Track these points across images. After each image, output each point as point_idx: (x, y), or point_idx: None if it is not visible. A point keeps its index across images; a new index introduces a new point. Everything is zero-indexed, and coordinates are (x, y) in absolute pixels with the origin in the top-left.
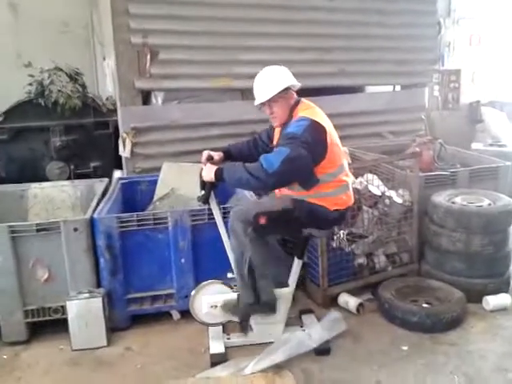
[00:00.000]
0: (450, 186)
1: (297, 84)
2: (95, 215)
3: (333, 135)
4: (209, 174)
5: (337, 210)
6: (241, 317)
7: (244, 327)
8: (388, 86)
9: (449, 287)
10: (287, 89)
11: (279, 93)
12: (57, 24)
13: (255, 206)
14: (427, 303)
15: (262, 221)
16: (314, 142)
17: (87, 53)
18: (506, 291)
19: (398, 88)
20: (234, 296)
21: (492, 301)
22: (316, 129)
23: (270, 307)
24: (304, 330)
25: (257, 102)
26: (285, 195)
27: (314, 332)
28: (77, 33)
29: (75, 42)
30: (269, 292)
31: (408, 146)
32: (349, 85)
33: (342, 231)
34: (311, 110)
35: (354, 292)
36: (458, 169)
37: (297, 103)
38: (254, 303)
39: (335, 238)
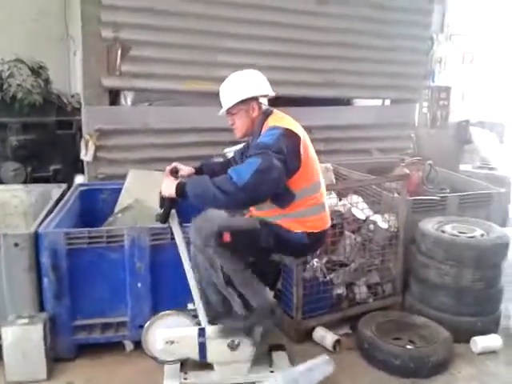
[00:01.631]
0: (439, 211)
1: (268, 93)
2: (40, 229)
3: (308, 146)
4: (169, 188)
5: (311, 233)
6: (245, 332)
7: (255, 337)
8: (377, 100)
9: (435, 325)
10: (249, 99)
11: (238, 104)
12: (29, 15)
13: (218, 218)
14: (410, 341)
15: (226, 238)
16: (287, 151)
17: (60, 47)
18: (495, 331)
19: (387, 103)
20: (194, 331)
21: (481, 342)
22: (289, 137)
23: (266, 312)
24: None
25: (220, 112)
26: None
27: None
28: (49, 25)
29: (48, 35)
30: (259, 296)
31: (395, 164)
32: (336, 96)
33: (315, 260)
34: (284, 120)
35: (330, 325)
36: (449, 194)
37: (268, 114)
38: (248, 313)
39: (308, 267)
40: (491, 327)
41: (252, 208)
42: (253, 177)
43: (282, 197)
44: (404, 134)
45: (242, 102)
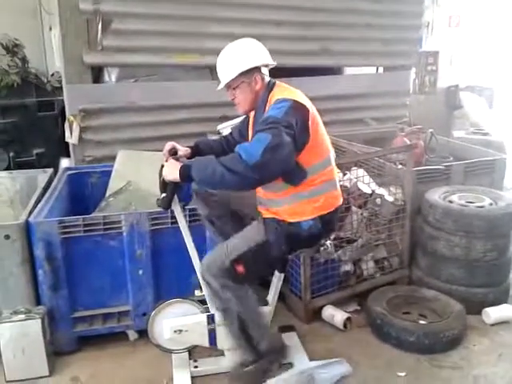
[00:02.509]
0: (443, 181)
1: (270, 63)
2: (31, 219)
3: (317, 119)
4: (172, 172)
5: (323, 216)
6: (260, 374)
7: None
8: (370, 68)
9: (445, 298)
10: (251, 71)
11: (239, 76)
12: None
13: (225, 252)
14: (421, 315)
15: (240, 270)
16: (297, 125)
17: (33, 22)
18: (506, 301)
19: (381, 70)
20: (203, 318)
21: (493, 313)
22: (299, 110)
23: (277, 352)
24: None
25: (219, 85)
26: (261, 201)
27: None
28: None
29: (20, 10)
30: (269, 336)
31: (393, 134)
32: (331, 65)
33: (328, 241)
34: (289, 91)
35: (339, 303)
36: (453, 162)
37: (271, 86)
38: (257, 358)
39: (321, 249)
40: (503, 297)
41: (261, 191)
42: (264, 154)
43: (294, 174)
44: (399, 102)
45: (244, 73)
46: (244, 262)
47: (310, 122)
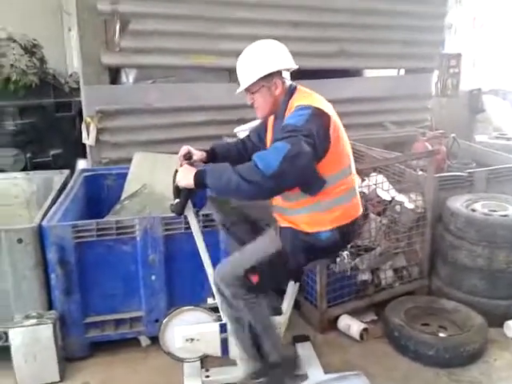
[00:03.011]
0: (465, 188)
1: (291, 67)
2: (44, 223)
3: (339, 126)
4: (186, 178)
5: (341, 227)
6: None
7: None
8: (391, 71)
9: (466, 309)
10: (272, 75)
11: (259, 80)
12: None
13: (240, 261)
14: (441, 327)
15: (255, 280)
16: (318, 134)
17: (54, 23)
18: None
19: (402, 72)
20: (215, 327)
21: None
22: (320, 117)
23: (289, 365)
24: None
25: (238, 90)
26: (277, 208)
27: None
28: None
29: (41, 10)
30: (281, 348)
31: (414, 138)
32: (349, 67)
33: (346, 252)
34: (310, 97)
35: (355, 312)
36: (475, 169)
37: (292, 91)
38: (268, 369)
39: (338, 260)
40: None
41: (279, 200)
42: (281, 164)
43: (313, 184)
44: (420, 106)
45: (264, 77)
46: (259, 272)
47: (331, 130)
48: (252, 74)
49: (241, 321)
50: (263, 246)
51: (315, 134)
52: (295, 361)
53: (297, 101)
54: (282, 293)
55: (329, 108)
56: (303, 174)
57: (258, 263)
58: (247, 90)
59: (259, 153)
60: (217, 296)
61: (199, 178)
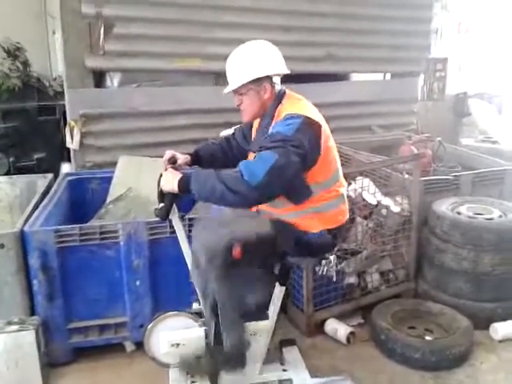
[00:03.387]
0: (451, 191)
1: (283, 72)
2: (26, 228)
3: (329, 135)
4: (170, 182)
5: (330, 229)
6: (208, 371)
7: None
8: (377, 75)
9: (452, 312)
10: (262, 79)
11: (248, 83)
12: None
13: (225, 231)
14: (427, 330)
15: (236, 253)
16: (308, 144)
17: (38, 26)
18: None
19: (388, 77)
20: (201, 332)
21: (502, 329)
22: (310, 127)
23: (235, 360)
24: (285, 370)
25: (226, 89)
26: (263, 212)
27: None
28: (25, 1)
29: (24, 13)
30: (235, 340)
31: (399, 142)
32: (336, 71)
33: (332, 256)
34: (300, 104)
35: (342, 316)
36: (461, 172)
37: (281, 96)
38: (215, 352)
39: (323, 263)
40: (511, 313)
41: (263, 206)
42: (267, 175)
43: (298, 193)
44: (406, 109)
45: (254, 81)
46: (242, 248)
47: (322, 140)
48: (242, 76)
49: (206, 287)
50: (251, 223)
51: (305, 145)
52: (243, 361)
53: (286, 108)
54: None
55: (318, 116)
56: (289, 185)
57: (245, 239)
58: (235, 91)
59: (245, 162)
60: (191, 259)
61: (183, 183)
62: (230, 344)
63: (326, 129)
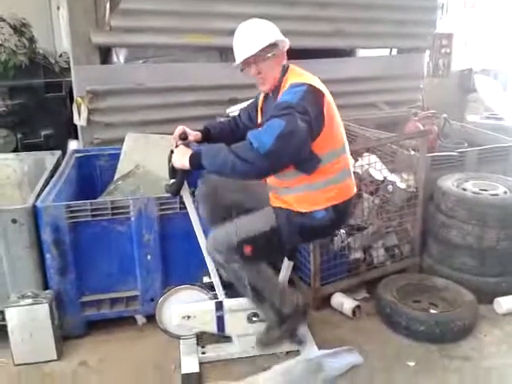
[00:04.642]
0: (456, 167)
1: (286, 42)
2: (38, 203)
3: (332, 105)
4: (182, 159)
5: (336, 206)
6: (286, 337)
7: (297, 341)
8: (383, 51)
9: (456, 287)
10: (277, 45)
11: (269, 47)
12: None
13: (234, 230)
14: (432, 304)
15: (247, 251)
16: (312, 111)
17: (41, 1)
18: None
19: (394, 52)
20: (211, 305)
21: (505, 303)
22: (314, 95)
23: (301, 313)
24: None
25: (240, 57)
26: (272, 187)
27: (325, 362)
28: None
29: None
30: (290, 299)
31: (405, 118)
32: (344, 46)
33: (342, 231)
34: (304, 76)
35: (348, 290)
36: (467, 149)
37: (285, 70)
38: (282, 321)
39: (335, 239)
40: None
41: (273, 179)
42: (276, 142)
43: (308, 162)
44: (412, 86)
45: (271, 46)
46: (252, 245)
47: (325, 108)
48: (262, 40)
49: (239, 280)
50: (259, 220)
51: (310, 111)
52: (305, 308)
53: (291, 79)
54: (277, 271)
55: (322, 86)
56: (298, 152)
57: (252, 237)
58: (252, 59)
59: (254, 131)
60: (213, 263)
61: (195, 159)
62: (292, 306)
63: (329, 98)
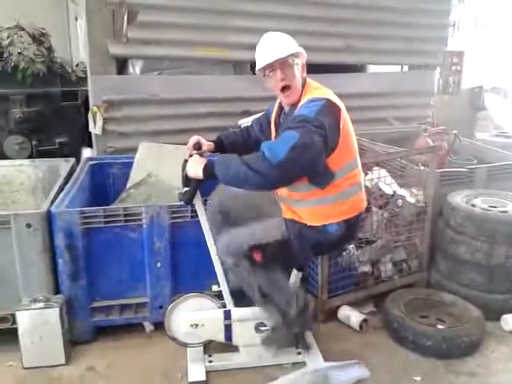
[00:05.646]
0: (466, 184)
1: (305, 56)
2: (53, 208)
3: (348, 121)
4: (196, 168)
5: (348, 220)
6: (292, 339)
7: (304, 346)
8: (395, 67)
9: (464, 303)
10: (302, 56)
11: (296, 55)
12: None
13: (244, 236)
14: (439, 320)
15: (257, 257)
16: (329, 126)
17: (59, 12)
18: None
19: (405, 69)
20: (220, 314)
21: None
22: (331, 109)
23: (306, 315)
24: (299, 354)
25: (270, 59)
26: (283, 199)
27: (331, 374)
28: None
29: None
30: (293, 303)
31: (415, 134)
32: (355, 62)
33: (351, 246)
34: (321, 90)
35: (355, 303)
36: (477, 165)
37: (303, 84)
38: (287, 322)
39: (344, 254)
40: None
41: (284, 190)
42: (289, 153)
43: (322, 177)
44: (423, 102)
45: (298, 55)
46: (262, 253)
47: (341, 123)
48: (293, 45)
49: (247, 284)
50: (270, 229)
51: (326, 126)
52: (308, 310)
53: (310, 93)
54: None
55: (339, 101)
56: (311, 165)
57: (263, 244)
58: (278, 64)
59: (268, 142)
60: (220, 271)
61: (208, 169)
62: (296, 308)
63: (345, 113)
